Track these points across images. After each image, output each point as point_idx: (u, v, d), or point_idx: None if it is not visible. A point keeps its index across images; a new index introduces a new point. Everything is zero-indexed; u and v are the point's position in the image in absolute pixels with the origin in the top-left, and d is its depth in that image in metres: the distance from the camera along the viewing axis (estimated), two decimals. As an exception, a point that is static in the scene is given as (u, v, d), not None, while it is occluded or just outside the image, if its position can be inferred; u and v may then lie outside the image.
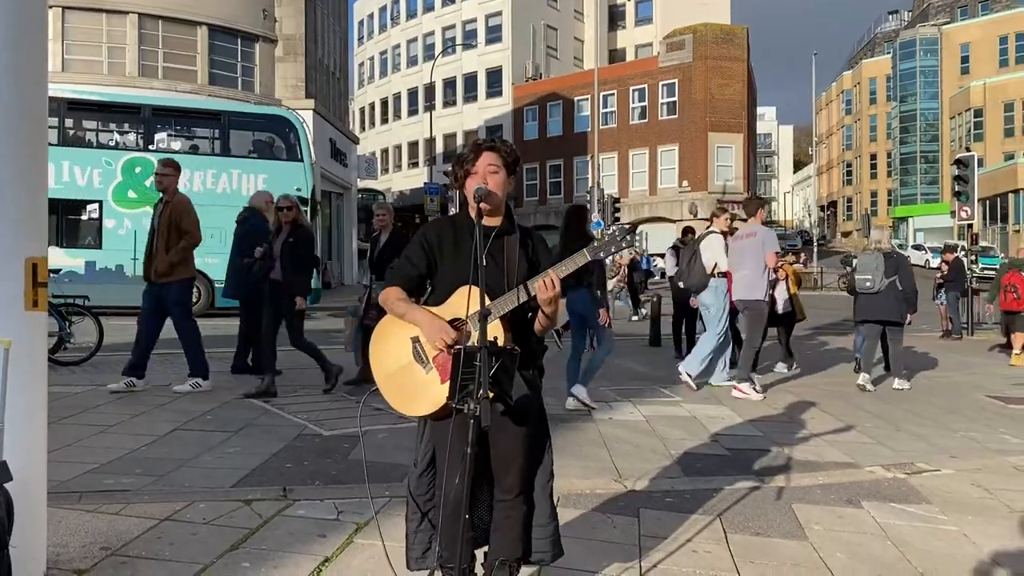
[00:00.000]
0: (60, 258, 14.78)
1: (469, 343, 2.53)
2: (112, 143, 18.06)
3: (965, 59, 60.39)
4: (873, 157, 73.08)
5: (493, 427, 2.49)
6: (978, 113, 55.00)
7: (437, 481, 2.82)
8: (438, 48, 52.17)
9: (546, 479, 2.88)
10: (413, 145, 55.13)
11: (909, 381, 9.36)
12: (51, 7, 22.17)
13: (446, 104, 53.06)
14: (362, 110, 62.80)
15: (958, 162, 18.85)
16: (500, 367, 2.45)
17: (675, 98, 42.47)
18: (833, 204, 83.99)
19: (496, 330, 2.60)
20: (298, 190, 17.31)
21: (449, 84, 53.32)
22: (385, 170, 56.29)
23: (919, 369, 11.21)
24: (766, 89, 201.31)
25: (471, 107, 51.57)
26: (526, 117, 49.07)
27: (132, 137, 17.87)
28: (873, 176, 73.12)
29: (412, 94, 56.93)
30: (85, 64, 23.31)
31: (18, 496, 2.70)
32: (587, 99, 43.78)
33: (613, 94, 44.62)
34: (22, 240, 3.04)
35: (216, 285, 15.87)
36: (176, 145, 18.25)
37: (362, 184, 38.75)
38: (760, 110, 77.23)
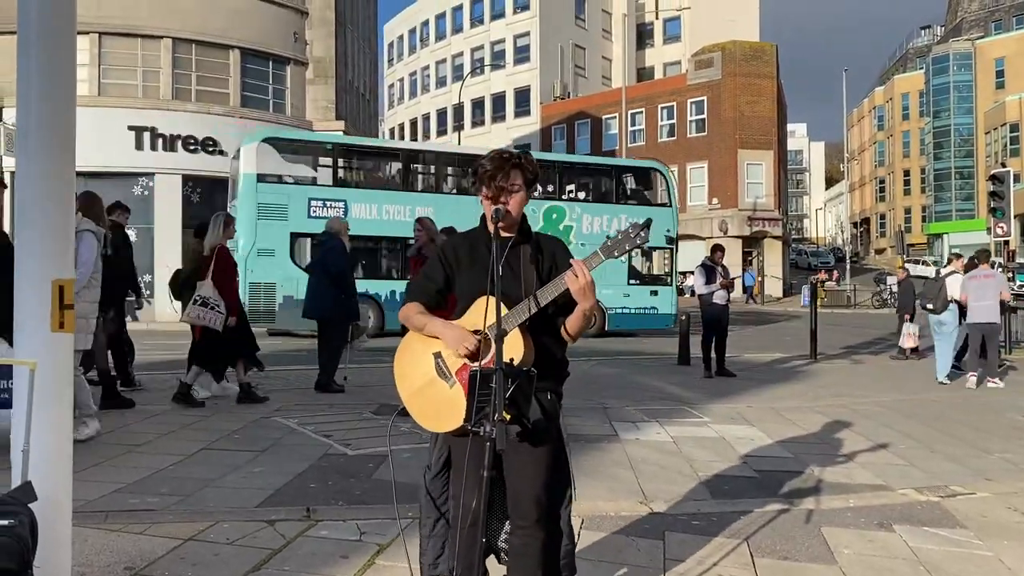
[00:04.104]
0: None
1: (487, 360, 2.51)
2: (535, 194, 19.86)
3: (1000, 73, 59.58)
4: (907, 173, 72.25)
5: (508, 452, 2.47)
6: (1014, 128, 54.16)
7: (451, 493, 2.80)
8: (467, 69, 52.57)
9: (563, 505, 2.84)
10: (443, 165, 55.51)
11: None
12: (88, 33, 22.68)
13: (475, 124, 53.38)
14: (392, 131, 63.37)
15: (993, 178, 18.62)
16: (517, 388, 2.43)
17: (704, 116, 42.33)
18: (866, 221, 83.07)
19: (515, 340, 2.57)
20: (668, 231, 19.98)
21: (478, 104, 53.65)
22: (415, 189, 56.65)
23: (953, 388, 11.01)
24: (797, 106, 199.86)
25: (499, 126, 51.79)
26: (554, 136, 49.16)
27: (549, 188, 20.22)
28: (907, 192, 72.28)
29: (441, 114, 57.39)
30: (120, 88, 23.76)
31: (43, 516, 2.72)
32: (615, 117, 43.74)
33: (641, 112, 44.58)
34: (48, 263, 3.08)
35: (608, 312, 19.11)
36: (581, 195, 21.00)
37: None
38: (791, 127, 76.72)
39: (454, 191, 19.86)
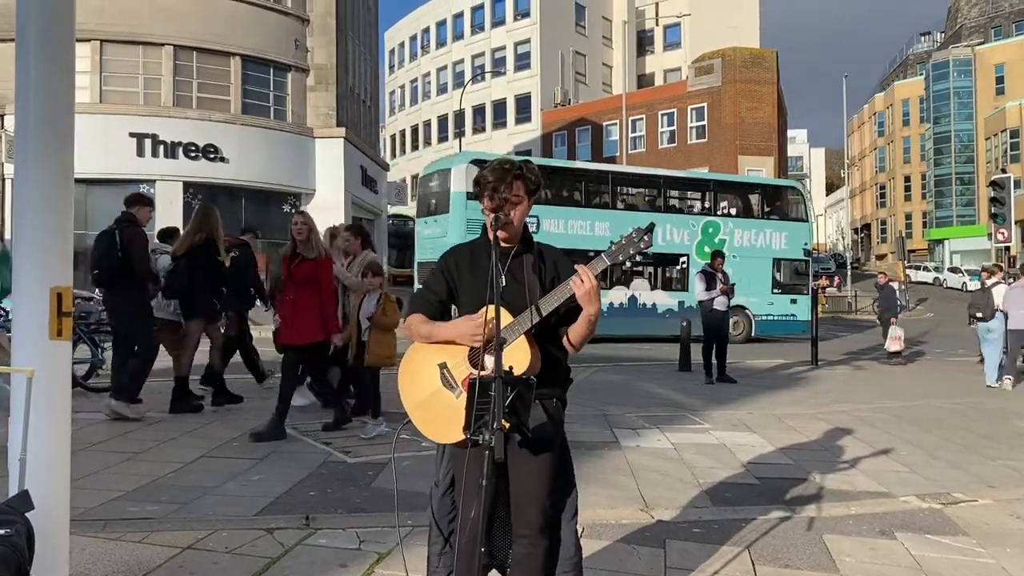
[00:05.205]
0: (662, 298, 20.90)
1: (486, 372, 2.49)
2: (695, 210, 22.32)
3: (1000, 79, 59.64)
4: (907, 179, 72.26)
5: (512, 460, 2.44)
6: (1015, 134, 54.11)
7: (457, 503, 2.78)
8: (468, 76, 52.63)
9: (571, 514, 2.82)
10: (443, 171, 55.48)
11: None
12: (90, 40, 22.74)
13: (476, 130, 53.39)
14: (393, 137, 63.44)
15: (994, 183, 18.61)
16: (516, 396, 2.41)
17: (704, 122, 42.35)
18: (867, 227, 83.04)
19: (521, 348, 2.56)
20: (805, 245, 21.97)
21: (479, 111, 53.68)
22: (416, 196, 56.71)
23: (956, 395, 10.99)
24: (797, 112, 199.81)
25: (500, 133, 51.83)
26: (555, 142, 49.18)
27: (706, 205, 22.32)
28: (907, 198, 72.29)
29: (442, 121, 57.43)
30: (121, 95, 23.81)
31: (40, 525, 2.70)
32: (616, 124, 43.78)
33: (642, 119, 44.60)
34: (47, 270, 3.06)
35: (755, 319, 21.22)
36: (732, 211, 22.37)
37: (392, 210, 39.11)
38: (791, 133, 76.66)
39: (628, 208, 21.60)
